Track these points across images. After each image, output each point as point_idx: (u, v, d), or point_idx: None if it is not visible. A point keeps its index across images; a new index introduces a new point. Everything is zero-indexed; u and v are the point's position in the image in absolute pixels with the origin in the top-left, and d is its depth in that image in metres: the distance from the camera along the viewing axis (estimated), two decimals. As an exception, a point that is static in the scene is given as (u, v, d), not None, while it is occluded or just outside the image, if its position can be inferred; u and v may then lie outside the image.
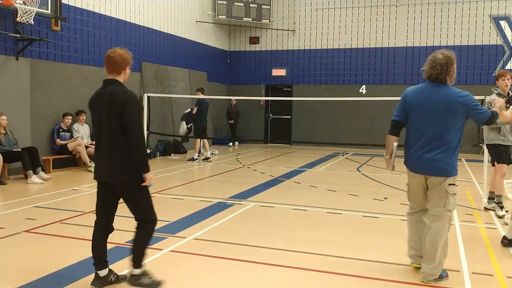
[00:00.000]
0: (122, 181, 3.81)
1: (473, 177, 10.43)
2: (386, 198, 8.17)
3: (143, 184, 3.81)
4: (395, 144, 4.32)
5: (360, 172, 11.41)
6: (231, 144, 17.52)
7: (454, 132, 4.09)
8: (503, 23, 16.00)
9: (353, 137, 16.86)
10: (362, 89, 17.20)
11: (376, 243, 5.44)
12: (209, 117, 17.16)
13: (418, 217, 4.40)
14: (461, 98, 4.07)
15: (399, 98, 4.41)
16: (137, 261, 3.92)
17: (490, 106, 6.35)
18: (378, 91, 16.59)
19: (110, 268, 4.02)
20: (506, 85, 6.64)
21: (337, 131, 17.31)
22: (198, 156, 13.00)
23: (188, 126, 13.32)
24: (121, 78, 3.90)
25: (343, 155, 15.19)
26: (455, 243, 5.41)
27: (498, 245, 5.34)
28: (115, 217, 4.02)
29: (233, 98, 16.96)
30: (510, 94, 6.69)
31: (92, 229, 3.99)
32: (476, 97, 4.98)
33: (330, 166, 12.59)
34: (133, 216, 3.93)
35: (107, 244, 4.02)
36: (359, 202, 7.72)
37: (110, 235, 4.01)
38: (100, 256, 3.94)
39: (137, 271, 3.93)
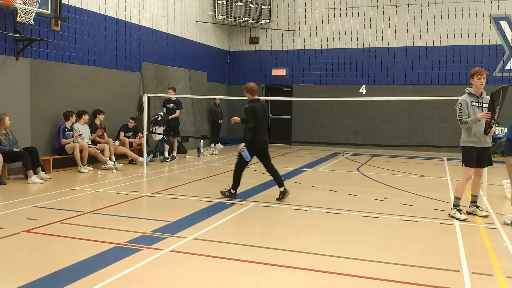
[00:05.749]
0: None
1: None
2: (386, 198, 8.17)
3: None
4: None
5: (360, 172, 11.40)
6: (213, 145, 16.14)
7: None
8: (503, 23, 16.00)
9: (353, 137, 16.85)
10: (362, 89, 17.14)
11: (376, 243, 5.44)
12: (206, 118, 17.18)
13: None
14: None
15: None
16: (281, 182, 7.74)
17: (461, 107, 6.34)
18: (378, 91, 16.57)
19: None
20: (482, 84, 6.35)
21: (337, 131, 17.31)
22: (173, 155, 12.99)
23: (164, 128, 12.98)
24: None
25: (343, 155, 15.19)
26: (455, 243, 5.42)
27: (498, 245, 5.34)
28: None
29: (216, 97, 16.37)
30: (483, 94, 6.48)
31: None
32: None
33: (330, 166, 12.59)
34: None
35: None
36: (359, 202, 7.72)
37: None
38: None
39: (282, 188, 7.69)
